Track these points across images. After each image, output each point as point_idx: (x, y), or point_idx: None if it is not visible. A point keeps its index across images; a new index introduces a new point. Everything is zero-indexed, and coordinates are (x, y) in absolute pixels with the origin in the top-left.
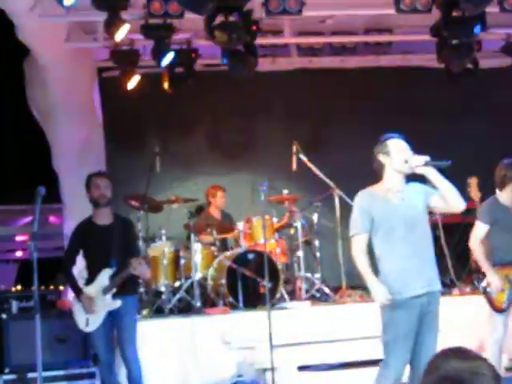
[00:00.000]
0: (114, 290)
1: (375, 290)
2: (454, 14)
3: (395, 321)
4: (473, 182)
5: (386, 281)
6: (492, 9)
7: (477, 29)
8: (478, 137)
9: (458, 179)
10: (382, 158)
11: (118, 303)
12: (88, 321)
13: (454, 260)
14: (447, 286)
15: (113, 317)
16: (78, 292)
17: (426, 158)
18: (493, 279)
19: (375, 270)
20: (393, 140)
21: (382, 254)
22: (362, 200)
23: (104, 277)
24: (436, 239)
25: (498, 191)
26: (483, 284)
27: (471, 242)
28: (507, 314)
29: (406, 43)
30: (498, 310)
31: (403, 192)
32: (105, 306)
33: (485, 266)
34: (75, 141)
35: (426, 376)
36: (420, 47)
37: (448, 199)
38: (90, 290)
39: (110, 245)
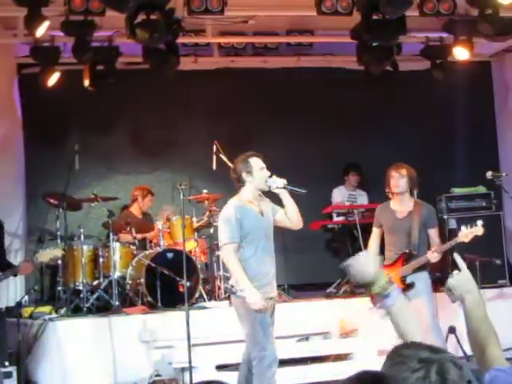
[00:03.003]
0: None
1: (253, 297)
2: (375, 17)
3: (261, 316)
4: None
5: (251, 281)
6: (412, 12)
7: (396, 32)
8: (400, 137)
9: (379, 179)
10: (244, 175)
11: None
12: None
13: None
14: None
15: None
16: None
17: (284, 182)
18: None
19: None
20: (254, 158)
21: (247, 257)
22: (236, 212)
23: None
24: (354, 239)
25: None
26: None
27: None
28: None
29: (327, 45)
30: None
31: (259, 206)
32: None
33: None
34: None
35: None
36: (341, 49)
37: (292, 219)
38: None
39: None
